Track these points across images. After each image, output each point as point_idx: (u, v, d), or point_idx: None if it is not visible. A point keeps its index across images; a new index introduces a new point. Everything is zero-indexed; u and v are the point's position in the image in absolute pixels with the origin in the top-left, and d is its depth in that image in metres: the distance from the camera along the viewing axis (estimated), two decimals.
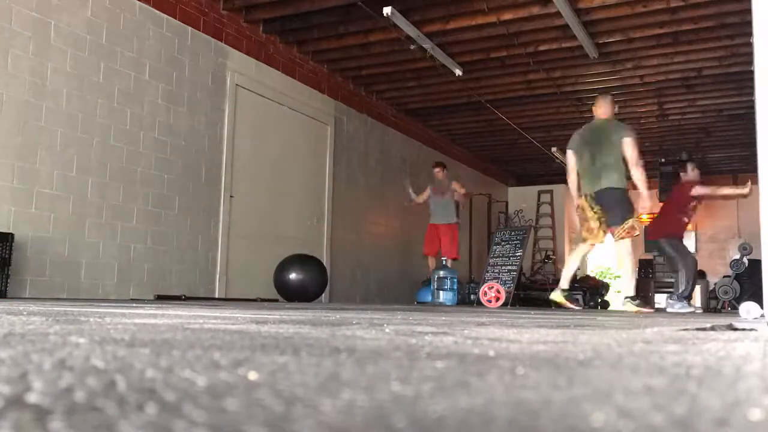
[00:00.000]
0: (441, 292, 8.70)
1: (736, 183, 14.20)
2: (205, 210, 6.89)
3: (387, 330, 1.52)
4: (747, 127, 9.81)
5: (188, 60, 6.75)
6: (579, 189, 6.14)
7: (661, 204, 9.36)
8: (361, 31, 7.77)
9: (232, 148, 7.25)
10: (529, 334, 1.47)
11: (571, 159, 6.20)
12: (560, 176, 14.72)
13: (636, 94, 9.72)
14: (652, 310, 6.07)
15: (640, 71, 8.78)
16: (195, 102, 6.81)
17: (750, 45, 3.80)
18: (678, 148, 12.61)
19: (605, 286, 12.22)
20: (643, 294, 6.06)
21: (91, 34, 5.79)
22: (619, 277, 16.91)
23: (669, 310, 7.06)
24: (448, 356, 0.90)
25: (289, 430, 0.41)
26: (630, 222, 5.81)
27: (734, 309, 7.11)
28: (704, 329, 1.98)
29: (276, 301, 7.03)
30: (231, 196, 7.19)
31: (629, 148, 5.84)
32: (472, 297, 10.23)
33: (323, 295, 7.88)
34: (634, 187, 6.03)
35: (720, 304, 8.50)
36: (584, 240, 6.05)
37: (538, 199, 15.23)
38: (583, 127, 6.38)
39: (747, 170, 13.23)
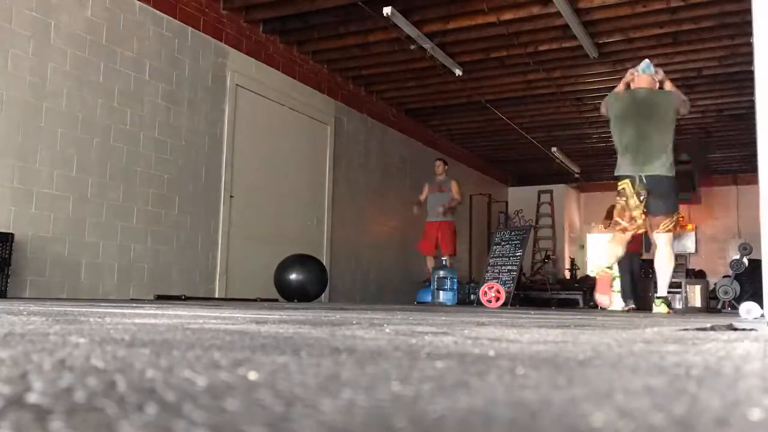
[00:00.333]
0: (441, 292, 8.70)
1: (736, 183, 14.23)
2: (205, 210, 6.89)
3: (387, 330, 1.52)
4: (747, 127, 9.81)
5: (188, 60, 6.75)
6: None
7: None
8: (361, 31, 7.77)
9: (232, 148, 7.25)
10: (529, 334, 1.47)
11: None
12: (560, 176, 14.77)
13: None
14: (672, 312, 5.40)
15: None
16: (195, 102, 6.81)
17: (750, 45, 3.80)
18: (678, 148, 12.61)
19: None
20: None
21: (91, 34, 5.79)
22: (619, 276, 16.90)
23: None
24: (448, 356, 0.90)
25: (289, 430, 0.41)
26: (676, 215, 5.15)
27: (734, 309, 7.11)
28: (704, 329, 1.98)
29: (276, 301, 7.03)
30: (231, 196, 7.20)
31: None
32: (472, 297, 10.23)
33: (323, 295, 7.88)
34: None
35: (720, 304, 8.50)
36: (624, 230, 5.22)
37: (538, 199, 15.23)
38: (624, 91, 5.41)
39: (747, 170, 13.25)
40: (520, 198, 15.22)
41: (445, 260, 8.99)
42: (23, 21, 5.25)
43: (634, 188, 4.99)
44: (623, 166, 5.12)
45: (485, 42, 7.95)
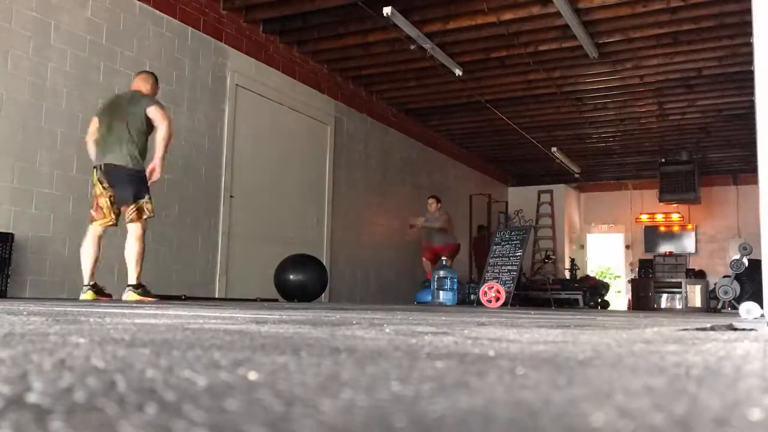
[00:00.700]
0: (441, 292, 8.70)
1: (736, 183, 14.23)
2: (205, 210, 6.89)
3: (387, 330, 1.52)
4: (747, 127, 9.81)
5: (188, 60, 6.75)
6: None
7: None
8: (361, 31, 7.77)
9: (232, 148, 7.25)
10: (529, 334, 1.47)
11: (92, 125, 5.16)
12: (560, 176, 14.77)
13: (636, 94, 9.72)
14: (154, 299, 4.93)
15: (640, 71, 8.78)
16: (195, 102, 6.81)
17: (750, 45, 3.80)
18: (678, 148, 12.63)
19: (605, 286, 12.23)
20: (146, 282, 4.98)
21: (91, 34, 5.79)
22: (619, 276, 16.94)
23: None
24: (448, 356, 0.90)
25: (289, 430, 0.41)
26: (142, 202, 4.97)
27: (734, 309, 7.10)
28: (704, 329, 1.98)
29: (276, 301, 7.03)
30: (231, 196, 7.20)
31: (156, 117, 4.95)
32: (472, 297, 10.23)
33: (323, 295, 7.88)
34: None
35: (720, 304, 8.50)
36: (92, 221, 4.99)
37: (538, 199, 15.23)
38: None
39: (747, 170, 13.24)
40: (520, 198, 15.22)
41: (445, 260, 9.00)
42: (23, 21, 5.25)
43: (95, 177, 4.95)
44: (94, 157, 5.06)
45: (485, 42, 7.95)
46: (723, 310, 8.84)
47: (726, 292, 7.02)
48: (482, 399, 0.54)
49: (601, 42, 7.79)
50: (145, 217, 4.98)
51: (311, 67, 8.62)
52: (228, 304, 4.98)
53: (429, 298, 8.96)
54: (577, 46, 7.79)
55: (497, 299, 8.22)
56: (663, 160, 12.87)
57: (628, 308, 13.40)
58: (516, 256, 9.41)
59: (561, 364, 0.84)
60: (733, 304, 7.08)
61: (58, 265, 5.44)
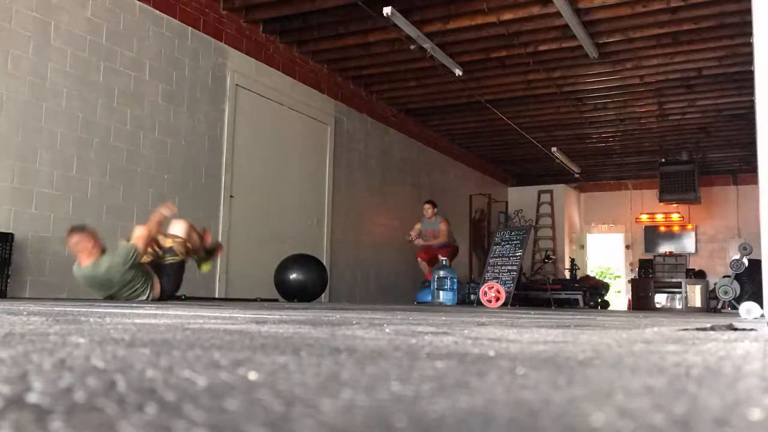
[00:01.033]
0: (441, 292, 8.70)
1: (736, 183, 14.23)
2: (205, 210, 6.89)
3: (387, 330, 1.52)
4: (747, 127, 9.81)
5: (188, 60, 6.75)
6: None
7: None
8: (361, 31, 7.77)
9: (232, 148, 7.25)
10: (529, 334, 1.47)
11: None
12: (560, 176, 14.77)
13: (636, 94, 9.72)
14: None
15: (640, 71, 8.78)
16: (195, 102, 6.81)
17: (750, 45, 3.80)
18: (678, 148, 12.63)
19: (605, 286, 12.23)
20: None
21: (91, 34, 5.79)
22: (619, 276, 16.93)
23: None
24: (448, 356, 0.90)
25: (289, 430, 0.41)
26: None
27: (734, 309, 7.10)
28: (704, 329, 1.98)
29: (276, 301, 7.03)
30: (231, 196, 7.19)
31: None
32: (472, 297, 10.23)
33: (323, 295, 7.88)
34: None
35: (720, 304, 8.50)
36: None
37: (538, 199, 15.23)
38: None
39: (747, 170, 13.24)
40: (520, 198, 15.22)
41: (445, 260, 9.00)
42: (23, 21, 5.25)
43: None
44: None
45: (485, 42, 7.94)
46: (723, 310, 8.84)
47: (726, 292, 7.01)
48: (482, 399, 0.54)
49: (601, 42, 7.79)
50: None
51: (311, 67, 8.62)
52: (228, 304, 4.98)
53: (429, 298, 8.96)
54: (577, 46, 7.79)
55: (497, 299, 8.22)
56: (663, 160, 12.87)
57: (628, 308, 13.40)
58: (516, 256, 9.41)
59: (561, 364, 0.84)
60: (733, 304, 7.08)
61: (58, 265, 5.44)
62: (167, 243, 5.35)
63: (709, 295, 11.87)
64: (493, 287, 8.40)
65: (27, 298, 4.92)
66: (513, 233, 9.92)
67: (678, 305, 12.50)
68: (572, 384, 0.65)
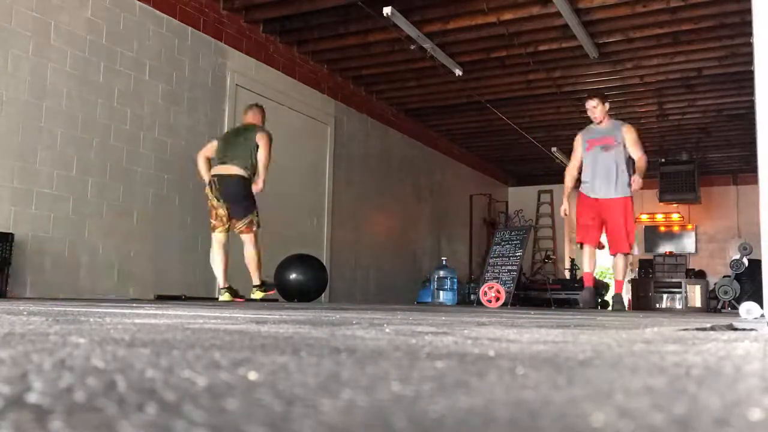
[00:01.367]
0: (441, 292, 8.71)
1: (736, 183, 14.23)
2: (205, 210, 6.86)
3: (387, 330, 1.52)
4: (747, 127, 9.81)
5: (188, 60, 6.75)
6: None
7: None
8: (361, 31, 7.77)
9: None
10: (529, 334, 1.47)
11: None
12: (560, 176, 14.75)
13: (636, 94, 9.72)
14: (274, 291, 6.22)
15: (640, 71, 8.78)
16: (195, 102, 6.81)
17: (750, 45, 3.80)
18: (678, 148, 12.62)
19: (605, 286, 12.23)
20: (266, 277, 6.05)
21: (91, 34, 5.79)
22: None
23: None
24: (448, 356, 0.90)
25: (289, 430, 0.41)
26: (250, 217, 5.74)
27: (734, 309, 7.10)
28: (704, 329, 1.98)
29: (276, 301, 7.03)
30: None
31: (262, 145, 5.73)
32: (472, 297, 10.23)
33: (323, 295, 7.87)
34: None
35: (720, 304, 8.50)
36: (213, 229, 5.84)
37: (538, 199, 15.23)
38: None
39: (747, 170, 13.24)
40: (520, 198, 15.22)
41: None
42: (23, 21, 5.25)
43: (212, 192, 5.72)
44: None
45: (485, 42, 7.95)
46: (723, 310, 8.83)
47: (726, 292, 7.01)
48: (482, 399, 0.54)
49: (601, 42, 7.79)
50: (254, 229, 5.76)
51: (311, 67, 8.62)
52: (228, 304, 4.99)
53: (429, 298, 8.96)
54: (577, 46, 7.79)
55: (497, 299, 8.22)
56: (663, 160, 12.87)
57: (628, 308, 13.40)
58: (516, 256, 9.41)
59: (561, 364, 0.84)
60: (733, 304, 7.08)
61: (58, 265, 5.44)
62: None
63: (709, 295, 11.86)
64: (493, 287, 8.40)
65: (27, 298, 4.93)
66: (513, 233, 9.92)
67: (678, 305, 12.49)
68: (572, 384, 0.65)
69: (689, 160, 12.68)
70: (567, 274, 13.86)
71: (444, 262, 9.00)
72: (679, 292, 12.59)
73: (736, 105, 9.76)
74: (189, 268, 6.66)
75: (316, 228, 8.65)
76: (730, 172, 14.07)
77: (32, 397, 0.50)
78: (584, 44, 7.62)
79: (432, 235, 11.75)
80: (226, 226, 5.77)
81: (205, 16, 6.97)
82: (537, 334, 1.48)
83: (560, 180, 14.99)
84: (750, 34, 3.42)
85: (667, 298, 12.69)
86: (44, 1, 5.41)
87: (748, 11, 3.40)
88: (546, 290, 11.04)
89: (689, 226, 14.49)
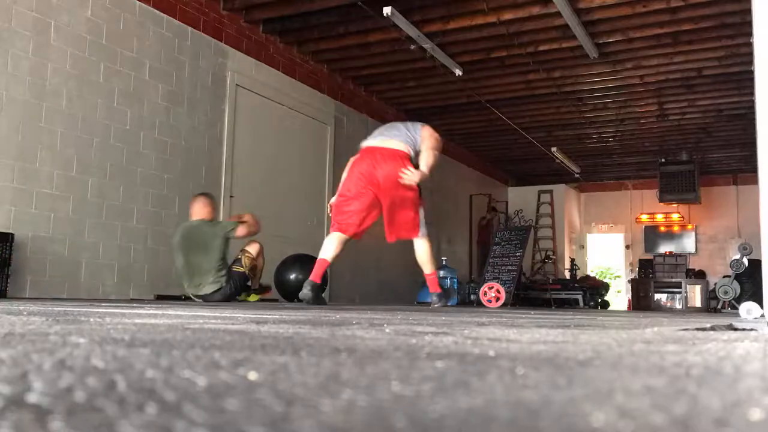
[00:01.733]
0: None
1: (736, 183, 14.23)
2: None
3: (387, 330, 1.52)
4: (747, 127, 9.81)
5: (188, 60, 6.75)
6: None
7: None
8: (361, 31, 7.77)
9: (231, 148, 7.24)
10: (529, 334, 1.47)
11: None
12: (560, 176, 14.77)
13: (636, 94, 9.72)
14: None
15: (640, 71, 8.78)
16: (195, 102, 6.81)
17: (750, 45, 3.80)
18: (678, 148, 12.63)
19: (605, 286, 12.24)
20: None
21: (91, 34, 5.79)
22: (619, 276, 16.93)
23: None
24: (448, 356, 0.90)
25: (289, 430, 0.41)
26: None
27: (734, 309, 7.10)
28: (704, 329, 1.98)
29: (276, 301, 7.03)
30: (231, 196, 7.19)
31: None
32: (472, 297, 10.23)
33: (323, 295, 7.86)
34: None
35: (720, 304, 8.50)
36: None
37: (538, 199, 15.24)
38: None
39: (747, 170, 13.25)
40: (520, 198, 15.23)
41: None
42: (23, 21, 5.25)
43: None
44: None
45: (485, 42, 7.95)
46: (723, 310, 8.83)
47: (726, 292, 7.01)
48: (482, 399, 0.54)
49: (601, 42, 7.79)
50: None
51: (311, 67, 8.61)
52: (228, 304, 4.99)
53: (429, 298, 8.96)
54: (577, 46, 7.79)
55: (497, 299, 8.22)
56: (663, 160, 12.88)
57: (628, 308, 13.40)
58: (516, 256, 9.41)
59: (561, 364, 0.84)
60: (733, 304, 7.08)
61: (58, 265, 5.44)
62: (238, 254, 5.88)
63: (709, 295, 11.87)
64: (493, 287, 8.40)
65: (27, 298, 4.93)
66: (513, 233, 9.92)
67: (678, 305, 12.50)
68: (572, 384, 0.65)
69: (689, 160, 12.69)
70: (567, 274, 13.87)
71: (444, 262, 8.99)
72: (679, 292, 12.59)
73: (736, 105, 9.76)
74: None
75: (316, 228, 8.65)
76: (730, 172, 14.07)
77: (32, 397, 0.50)
78: (584, 44, 7.61)
79: (432, 235, 11.73)
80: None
81: (205, 16, 6.97)
82: (537, 334, 1.48)
83: (560, 180, 15.04)
84: (750, 34, 3.42)
85: (667, 298, 12.70)
86: (44, 1, 5.40)
87: (748, 11, 3.40)
88: (546, 290, 11.04)
89: (689, 226, 14.49)
